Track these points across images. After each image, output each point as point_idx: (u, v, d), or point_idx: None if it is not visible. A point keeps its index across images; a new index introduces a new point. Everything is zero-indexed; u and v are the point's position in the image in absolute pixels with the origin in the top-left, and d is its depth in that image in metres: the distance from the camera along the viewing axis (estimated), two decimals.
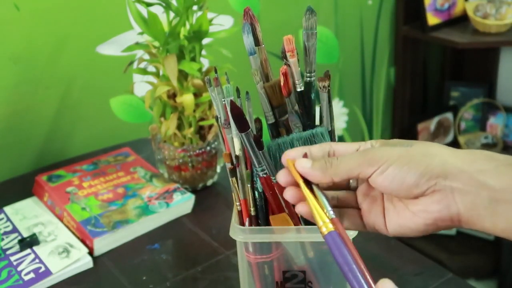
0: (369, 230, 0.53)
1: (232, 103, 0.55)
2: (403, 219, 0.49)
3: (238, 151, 0.60)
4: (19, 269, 0.80)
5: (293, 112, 0.60)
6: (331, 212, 0.48)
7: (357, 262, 0.45)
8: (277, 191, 0.58)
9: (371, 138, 2.02)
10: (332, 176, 0.49)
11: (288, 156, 0.51)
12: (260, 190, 0.60)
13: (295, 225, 0.60)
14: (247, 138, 0.55)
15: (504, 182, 0.44)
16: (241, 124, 0.55)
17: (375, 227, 0.52)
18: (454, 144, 2.07)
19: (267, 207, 0.61)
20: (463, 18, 1.86)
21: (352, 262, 0.45)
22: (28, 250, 0.84)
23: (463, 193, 0.45)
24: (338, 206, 0.53)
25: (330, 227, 0.47)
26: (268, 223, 0.61)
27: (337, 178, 0.49)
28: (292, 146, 0.59)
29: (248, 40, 0.59)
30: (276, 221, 0.60)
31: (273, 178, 0.57)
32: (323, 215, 0.48)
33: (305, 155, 0.51)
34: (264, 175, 0.58)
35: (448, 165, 0.46)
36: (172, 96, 0.95)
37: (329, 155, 0.52)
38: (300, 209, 0.51)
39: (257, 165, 0.57)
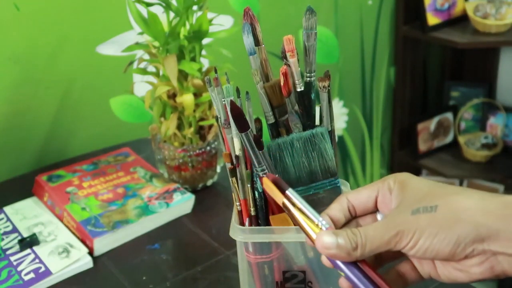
0: (427, 278, 0.50)
1: (232, 103, 0.55)
2: (452, 274, 0.47)
3: (238, 151, 0.60)
4: (19, 269, 0.80)
5: (293, 112, 0.60)
6: (324, 222, 0.48)
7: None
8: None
9: (371, 138, 2.02)
10: (359, 258, 0.46)
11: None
12: (260, 190, 0.60)
13: (295, 225, 0.60)
14: (247, 138, 0.55)
15: None
16: (241, 124, 0.55)
17: (431, 275, 0.49)
18: (454, 144, 2.07)
19: (267, 207, 0.61)
20: (463, 18, 1.86)
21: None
22: (28, 250, 0.84)
23: (505, 254, 0.44)
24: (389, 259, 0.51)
25: None
26: (268, 223, 0.61)
27: (365, 257, 0.47)
28: (292, 146, 0.59)
29: (248, 40, 0.59)
30: (276, 221, 0.60)
31: None
32: (317, 229, 0.48)
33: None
34: (264, 175, 0.57)
35: (482, 229, 0.43)
36: (172, 96, 0.95)
37: (349, 211, 0.51)
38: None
39: (257, 165, 0.57)
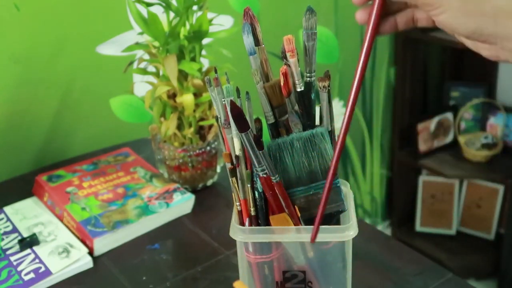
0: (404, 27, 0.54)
1: (232, 103, 0.55)
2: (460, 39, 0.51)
3: (238, 151, 0.60)
4: (19, 269, 0.80)
5: (293, 112, 0.60)
6: None
7: None
8: (277, 191, 0.58)
9: (371, 138, 2.02)
10: None
11: None
12: (260, 190, 0.60)
13: (295, 225, 0.60)
14: (247, 138, 0.55)
15: None
16: (241, 124, 0.55)
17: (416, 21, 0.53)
18: (454, 144, 2.07)
19: (267, 207, 0.61)
20: None
21: None
22: (28, 250, 0.84)
23: None
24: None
25: None
26: (268, 223, 0.61)
27: None
28: (292, 146, 0.60)
29: (248, 40, 0.59)
30: (276, 221, 0.60)
31: (273, 178, 0.57)
32: None
33: None
34: (264, 175, 0.58)
35: (500, 28, 0.47)
36: (172, 96, 0.95)
37: None
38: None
39: (257, 165, 0.57)
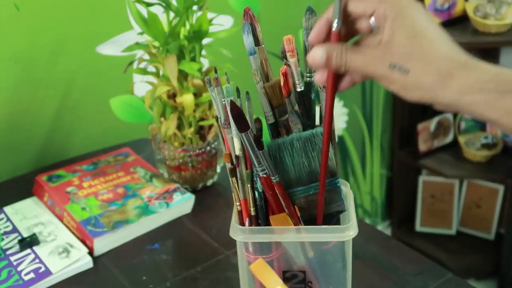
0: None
1: (232, 103, 0.55)
2: None
3: (238, 151, 0.60)
4: (19, 269, 0.80)
5: (293, 112, 0.60)
6: None
7: None
8: (277, 191, 0.58)
9: (371, 138, 2.02)
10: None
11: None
12: (260, 190, 0.60)
13: (295, 225, 0.60)
14: (247, 138, 0.55)
15: None
16: (241, 124, 0.55)
17: None
18: (454, 144, 2.07)
19: (267, 207, 0.61)
20: (463, 18, 1.86)
21: None
22: (28, 250, 0.84)
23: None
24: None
25: None
26: (268, 223, 0.61)
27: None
28: (292, 146, 0.59)
29: (248, 40, 0.59)
30: (276, 221, 0.60)
31: (273, 178, 0.57)
32: None
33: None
34: (264, 175, 0.58)
35: (438, 99, 0.50)
36: (172, 96, 0.95)
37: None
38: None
39: (257, 165, 0.57)
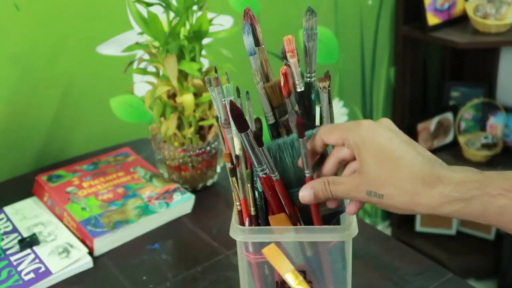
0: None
1: (232, 104, 0.55)
2: None
3: (238, 151, 0.60)
4: (19, 269, 0.80)
5: (293, 112, 0.60)
6: None
7: None
8: (277, 189, 0.58)
9: None
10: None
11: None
12: (260, 190, 0.60)
13: (294, 225, 0.60)
14: (247, 139, 0.55)
15: None
16: (241, 124, 0.55)
17: None
18: (454, 144, 2.07)
19: (267, 207, 0.61)
20: (463, 18, 1.86)
21: None
22: (28, 250, 0.84)
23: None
24: None
25: None
26: (268, 223, 0.61)
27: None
28: (292, 146, 0.59)
29: (248, 40, 0.59)
30: (275, 221, 0.60)
31: (273, 175, 0.57)
32: None
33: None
34: (264, 176, 0.57)
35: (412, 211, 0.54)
36: (172, 96, 0.95)
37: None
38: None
39: (257, 166, 0.57)
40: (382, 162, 0.53)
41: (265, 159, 0.57)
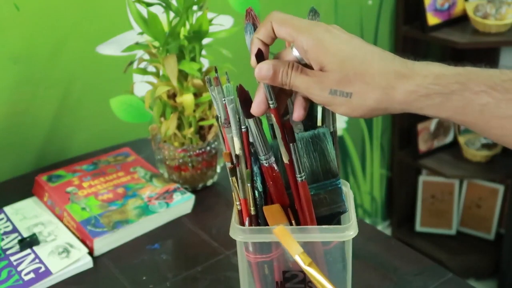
0: None
1: (240, 88, 0.56)
2: None
3: (238, 151, 0.60)
4: (19, 269, 0.80)
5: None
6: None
7: None
8: (300, 192, 0.58)
9: (371, 138, 2.02)
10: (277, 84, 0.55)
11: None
12: (260, 190, 0.60)
13: (287, 215, 0.59)
14: (254, 124, 0.56)
15: None
16: (249, 109, 0.55)
17: None
18: (454, 144, 2.07)
19: None
20: (463, 18, 1.86)
21: None
22: (28, 250, 0.84)
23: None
24: None
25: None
26: (268, 223, 0.61)
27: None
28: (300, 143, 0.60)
29: (250, 40, 0.59)
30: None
31: (298, 176, 0.57)
32: None
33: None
34: (267, 165, 0.57)
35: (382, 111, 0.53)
36: (172, 96, 0.95)
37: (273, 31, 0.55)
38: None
39: (261, 154, 0.57)
40: (349, 59, 0.50)
41: (295, 156, 0.56)
